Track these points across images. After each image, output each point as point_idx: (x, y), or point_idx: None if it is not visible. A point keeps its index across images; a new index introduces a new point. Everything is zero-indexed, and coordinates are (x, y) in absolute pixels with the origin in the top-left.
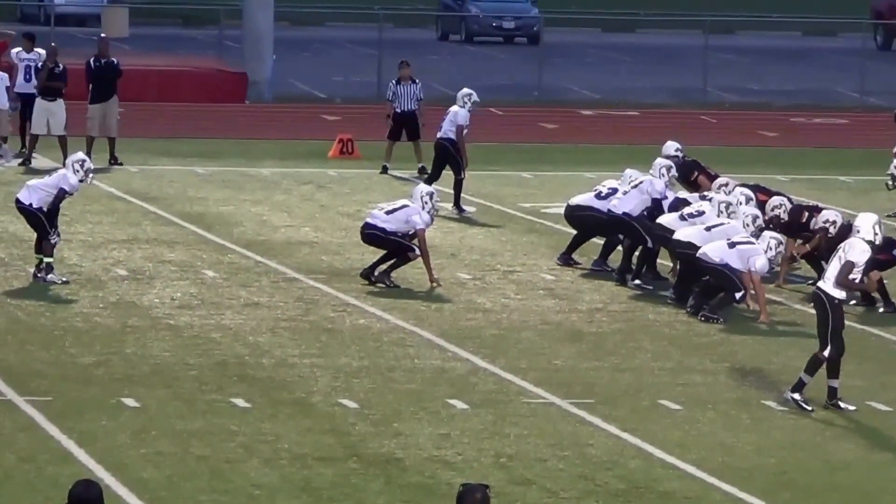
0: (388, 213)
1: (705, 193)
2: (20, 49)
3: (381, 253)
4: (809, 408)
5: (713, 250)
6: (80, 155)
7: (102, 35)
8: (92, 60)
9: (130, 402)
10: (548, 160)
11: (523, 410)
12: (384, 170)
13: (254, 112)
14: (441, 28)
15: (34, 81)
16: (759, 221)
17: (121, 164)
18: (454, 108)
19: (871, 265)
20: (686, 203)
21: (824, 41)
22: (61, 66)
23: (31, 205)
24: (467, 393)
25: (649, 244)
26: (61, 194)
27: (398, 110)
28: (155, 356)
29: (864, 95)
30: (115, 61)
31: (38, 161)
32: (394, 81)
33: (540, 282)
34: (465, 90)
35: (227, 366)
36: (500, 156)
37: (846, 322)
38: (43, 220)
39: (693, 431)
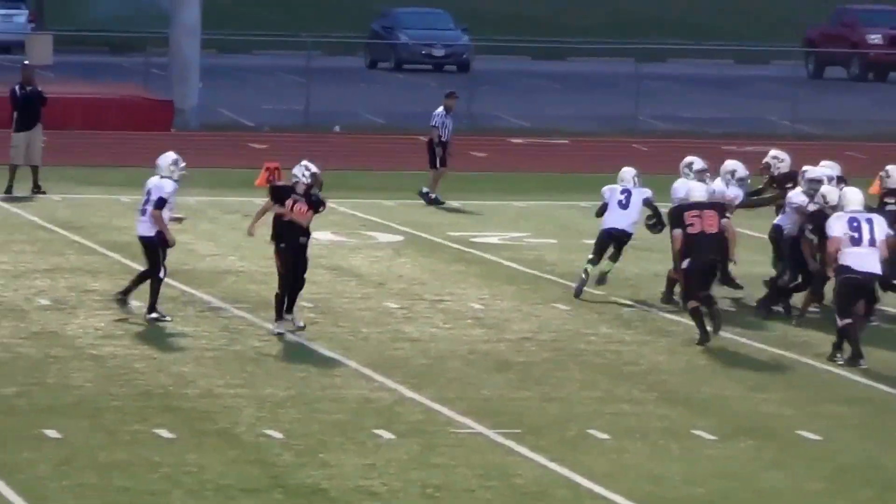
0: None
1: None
2: None
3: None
4: None
5: None
6: (172, 155)
7: (26, 62)
8: (17, 88)
9: (52, 433)
10: (477, 189)
11: (450, 440)
12: (435, 201)
13: (180, 140)
14: (370, 56)
15: None
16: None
17: (44, 192)
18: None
19: None
20: None
21: (756, 69)
22: None
23: (153, 235)
24: (394, 423)
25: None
26: (161, 204)
27: (443, 140)
28: (78, 386)
29: (796, 123)
30: (40, 89)
31: None
32: (443, 111)
33: (468, 311)
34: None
35: (151, 396)
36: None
37: (776, 351)
38: (159, 253)
39: (621, 461)
